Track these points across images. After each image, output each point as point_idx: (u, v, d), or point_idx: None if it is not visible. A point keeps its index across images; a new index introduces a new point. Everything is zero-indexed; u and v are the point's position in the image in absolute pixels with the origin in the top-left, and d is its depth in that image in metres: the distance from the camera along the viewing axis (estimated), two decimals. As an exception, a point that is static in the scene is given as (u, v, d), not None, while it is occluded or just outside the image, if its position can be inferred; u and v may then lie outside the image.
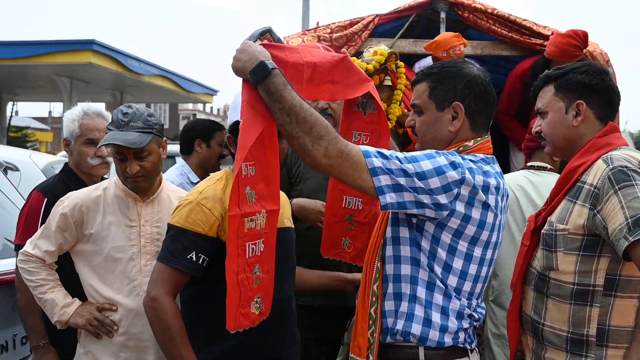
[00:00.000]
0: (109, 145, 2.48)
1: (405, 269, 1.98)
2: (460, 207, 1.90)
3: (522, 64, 4.29)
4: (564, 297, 2.02)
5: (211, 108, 50.54)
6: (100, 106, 3.16)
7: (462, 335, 2.01)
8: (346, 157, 1.86)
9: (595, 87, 2.11)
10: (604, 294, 1.97)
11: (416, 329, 1.96)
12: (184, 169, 4.00)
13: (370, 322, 2.02)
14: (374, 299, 2.02)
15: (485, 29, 4.33)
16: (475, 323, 2.06)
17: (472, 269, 1.98)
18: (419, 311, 1.97)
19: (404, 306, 1.98)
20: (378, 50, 3.48)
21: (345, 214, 2.42)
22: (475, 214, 1.93)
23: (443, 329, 1.97)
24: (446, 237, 1.94)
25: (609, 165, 1.95)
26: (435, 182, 1.87)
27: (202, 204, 2.21)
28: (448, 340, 1.98)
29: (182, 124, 44.68)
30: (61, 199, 2.58)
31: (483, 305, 2.13)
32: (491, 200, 1.95)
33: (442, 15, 4.38)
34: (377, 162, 1.87)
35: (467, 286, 1.99)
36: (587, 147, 2.08)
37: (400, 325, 1.98)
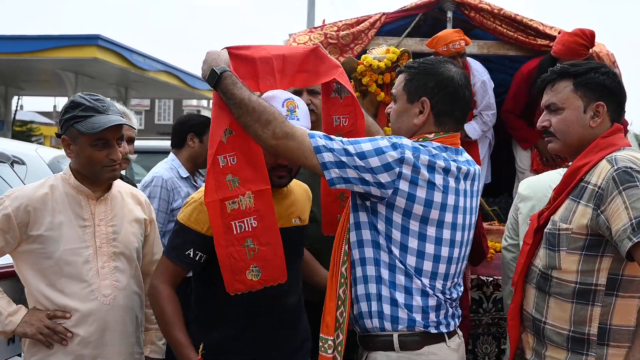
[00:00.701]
0: (91, 132, 2.30)
1: (369, 252, 2.10)
2: (404, 185, 2.00)
3: (528, 64, 4.30)
4: (566, 296, 2.03)
5: (215, 104, 50.64)
6: None
7: (432, 315, 2.07)
8: (291, 137, 2.04)
9: (613, 90, 2.11)
10: (606, 293, 1.98)
11: (387, 309, 2.07)
12: (174, 164, 3.94)
13: (339, 302, 2.13)
14: (342, 280, 2.14)
15: (491, 29, 4.35)
16: (445, 302, 2.11)
17: (430, 248, 2.05)
18: (385, 292, 2.07)
19: (373, 287, 2.09)
20: (391, 48, 3.50)
21: (338, 192, 2.48)
22: (421, 192, 2.01)
23: (409, 308, 2.06)
24: (397, 217, 2.04)
25: (613, 166, 1.96)
26: (375, 162, 1.99)
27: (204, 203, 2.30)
28: (418, 318, 2.05)
29: (186, 120, 44.63)
30: (1, 197, 2.39)
31: (458, 288, 2.19)
32: (437, 179, 2.02)
33: (449, 14, 4.40)
34: (321, 141, 2.03)
35: (427, 266, 2.06)
36: (590, 147, 2.08)
37: (374, 306, 2.08)
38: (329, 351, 2.10)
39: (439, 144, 2.10)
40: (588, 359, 1.99)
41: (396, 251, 2.05)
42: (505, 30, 4.31)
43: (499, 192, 4.65)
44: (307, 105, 2.97)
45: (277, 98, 2.33)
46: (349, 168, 2.01)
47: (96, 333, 2.35)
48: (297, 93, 3.05)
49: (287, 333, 2.43)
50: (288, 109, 2.31)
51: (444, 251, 2.08)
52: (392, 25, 4.46)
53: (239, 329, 2.35)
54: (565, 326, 2.03)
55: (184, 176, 3.90)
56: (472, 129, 4.47)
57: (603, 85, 2.10)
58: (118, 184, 2.55)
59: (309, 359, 2.54)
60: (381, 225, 2.06)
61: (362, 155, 2.00)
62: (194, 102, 41.50)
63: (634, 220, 1.85)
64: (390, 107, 2.26)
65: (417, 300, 2.06)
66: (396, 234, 2.04)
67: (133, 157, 3.06)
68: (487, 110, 4.46)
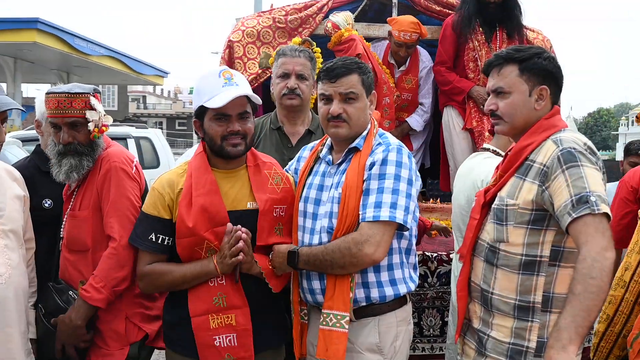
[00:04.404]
0: None
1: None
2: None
3: (453, 15, 4.34)
4: (513, 267, 2.15)
5: (162, 90, 49.68)
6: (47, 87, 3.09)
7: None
8: (377, 237, 2.26)
9: (554, 74, 2.25)
10: (550, 264, 2.10)
11: (402, 288, 2.42)
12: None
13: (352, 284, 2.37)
14: None
15: (436, 12, 4.44)
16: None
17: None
18: (398, 275, 2.41)
19: (395, 274, 2.41)
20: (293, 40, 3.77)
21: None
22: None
23: (413, 281, 2.50)
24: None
25: (558, 146, 2.08)
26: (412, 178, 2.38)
27: (156, 188, 2.40)
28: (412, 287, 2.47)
29: (131, 106, 43.60)
30: None
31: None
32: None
33: (394, 0, 4.47)
34: (399, 214, 2.27)
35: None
36: (534, 128, 2.20)
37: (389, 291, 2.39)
38: (346, 326, 2.28)
39: (382, 132, 2.48)
40: (533, 325, 2.12)
41: (406, 233, 2.38)
42: (449, 13, 4.40)
43: (438, 175, 4.76)
44: (294, 89, 3.10)
45: (213, 72, 2.37)
46: (413, 203, 2.35)
47: None
48: (286, 77, 3.11)
49: (260, 327, 2.41)
50: (225, 77, 2.34)
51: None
52: (339, 10, 4.50)
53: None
54: (512, 295, 2.15)
55: None
56: (415, 121, 4.60)
57: (546, 69, 2.23)
58: None
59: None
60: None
61: (410, 181, 2.33)
62: (140, 87, 40.65)
63: (574, 198, 1.97)
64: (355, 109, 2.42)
65: (414, 274, 2.47)
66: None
67: None
68: (426, 98, 4.56)
